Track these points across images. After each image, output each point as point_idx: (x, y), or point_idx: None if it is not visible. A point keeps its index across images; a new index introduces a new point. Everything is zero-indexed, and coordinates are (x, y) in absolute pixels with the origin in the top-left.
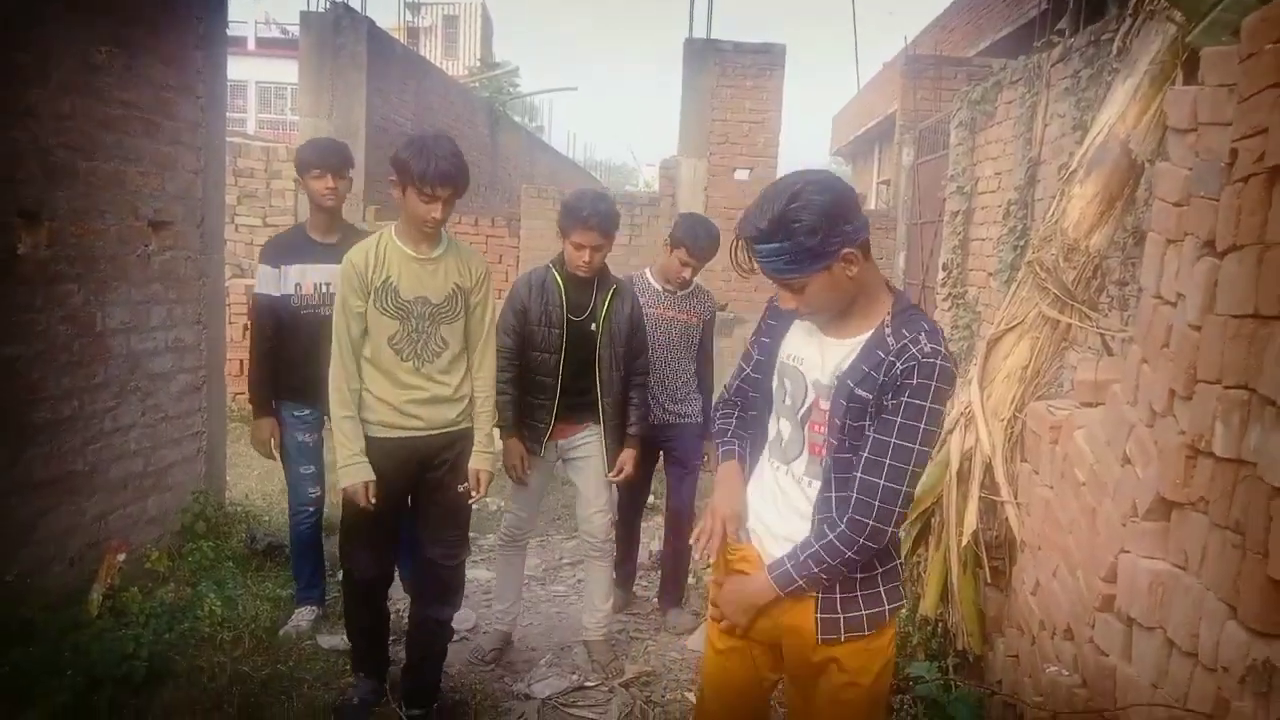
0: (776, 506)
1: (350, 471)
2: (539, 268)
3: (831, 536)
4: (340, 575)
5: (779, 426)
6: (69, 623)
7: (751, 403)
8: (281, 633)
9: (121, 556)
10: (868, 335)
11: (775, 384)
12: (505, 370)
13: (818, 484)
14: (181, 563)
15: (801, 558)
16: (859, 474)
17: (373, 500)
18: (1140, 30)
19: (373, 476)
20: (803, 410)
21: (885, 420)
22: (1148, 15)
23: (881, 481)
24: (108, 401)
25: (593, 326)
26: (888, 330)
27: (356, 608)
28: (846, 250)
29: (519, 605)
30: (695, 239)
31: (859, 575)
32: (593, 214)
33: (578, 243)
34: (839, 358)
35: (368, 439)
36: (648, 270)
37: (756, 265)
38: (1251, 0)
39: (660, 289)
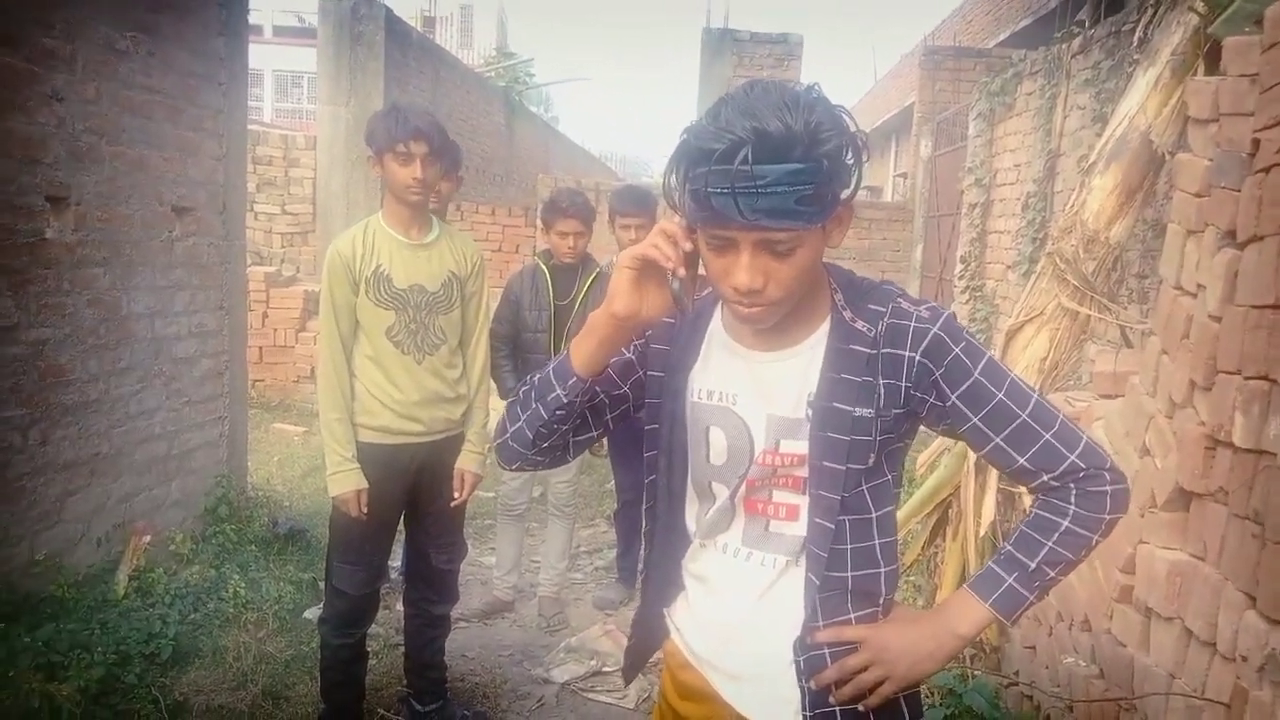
0: (719, 598)
1: (340, 479)
2: (529, 263)
3: (1075, 507)
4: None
5: (701, 492)
6: (97, 601)
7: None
8: (305, 615)
9: (147, 538)
10: (822, 332)
11: (690, 436)
12: (500, 350)
13: (767, 555)
14: (205, 545)
15: (1038, 558)
16: (1022, 461)
17: (364, 510)
18: (1161, 21)
19: (365, 484)
20: (747, 465)
21: (972, 421)
22: (1169, 6)
23: (1051, 439)
24: (133, 385)
25: (576, 308)
26: (846, 313)
27: (337, 647)
28: (849, 197)
29: (517, 574)
30: (624, 202)
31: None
32: (571, 205)
33: (562, 231)
34: (793, 377)
35: (363, 445)
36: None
37: (714, 204)
38: None
39: None
